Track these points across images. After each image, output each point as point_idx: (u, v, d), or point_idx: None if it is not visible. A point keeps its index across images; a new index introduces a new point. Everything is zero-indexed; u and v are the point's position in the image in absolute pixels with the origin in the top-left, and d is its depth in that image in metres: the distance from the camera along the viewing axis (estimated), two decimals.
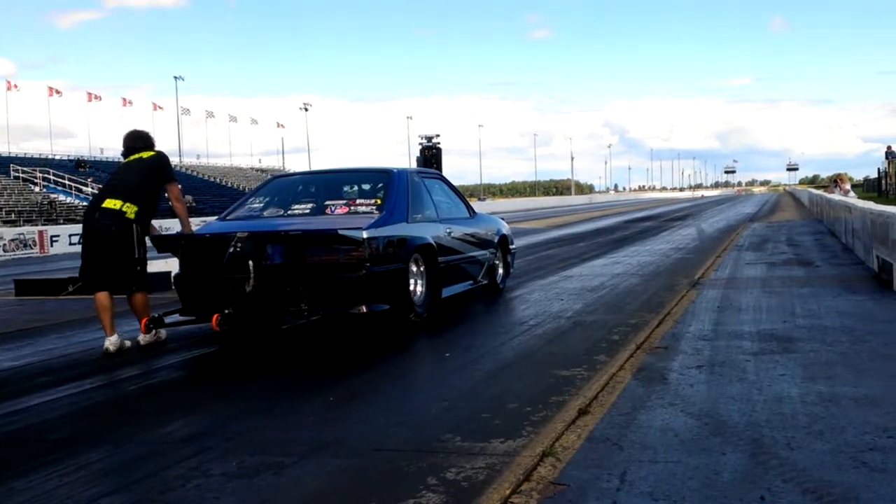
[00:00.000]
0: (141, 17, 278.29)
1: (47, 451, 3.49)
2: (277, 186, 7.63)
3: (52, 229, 26.40)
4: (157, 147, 6.39)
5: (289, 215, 6.74)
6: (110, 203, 5.88)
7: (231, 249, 5.83)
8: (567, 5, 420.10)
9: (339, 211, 6.63)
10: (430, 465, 3.05)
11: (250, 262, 5.76)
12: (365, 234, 5.88)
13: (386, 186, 6.86)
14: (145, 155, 6.16)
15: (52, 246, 24.86)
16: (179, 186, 6.44)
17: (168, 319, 6.14)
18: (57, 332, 6.98)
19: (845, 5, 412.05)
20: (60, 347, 6.24)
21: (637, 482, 2.80)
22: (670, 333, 5.62)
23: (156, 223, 6.36)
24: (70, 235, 25.89)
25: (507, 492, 2.75)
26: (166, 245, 6.48)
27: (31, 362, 5.70)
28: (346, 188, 7.25)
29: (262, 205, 7.03)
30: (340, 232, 5.80)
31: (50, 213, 35.84)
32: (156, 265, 8.80)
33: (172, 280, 6.42)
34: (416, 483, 2.87)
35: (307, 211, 6.77)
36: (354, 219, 6.32)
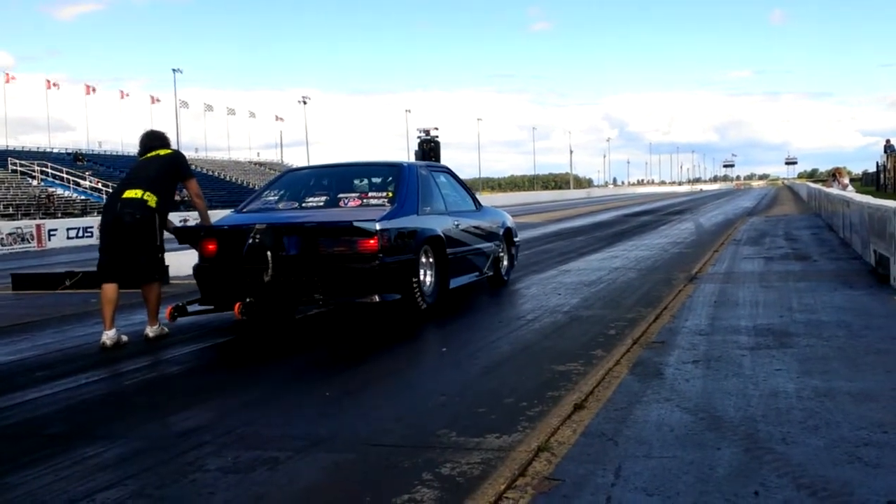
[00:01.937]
0: (139, 10, 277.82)
1: (43, 446, 3.49)
2: (291, 180, 7.75)
3: (49, 223, 26.33)
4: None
5: (303, 208, 6.89)
6: (131, 193, 5.96)
7: (250, 241, 5.98)
8: None
9: (351, 204, 6.76)
10: (426, 460, 3.05)
11: (269, 253, 5.92)
12: (378, 226, 6.01)
13: (396, 180, 7.00)
14: (163, 152, 6.29)
15: (49, 240, 24.79)
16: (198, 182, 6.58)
17: (189, 308, 6.30)
18: (54, 327, 6.98)
19: None
20: (57, 342, 6.23)
21: (632, 477, 2.80)
22: (667, 328, 5.62)
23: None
24: (68, 229, 25.86)
25: (502, 487, 2.75)
26: (186, 237, 6.65)
27: (28, 357, 5.70)
28: (357, 181, 7.40)
29: (276, 198, 7.18)
30: (355, 224, 5.92)
31: (48, 207, 35.82)
32: None
33: (193, 271, 6.57)
34: (411, 478, 2.87)
35: (321, 204, 6.89)
36: (367, 211, 6.45)
